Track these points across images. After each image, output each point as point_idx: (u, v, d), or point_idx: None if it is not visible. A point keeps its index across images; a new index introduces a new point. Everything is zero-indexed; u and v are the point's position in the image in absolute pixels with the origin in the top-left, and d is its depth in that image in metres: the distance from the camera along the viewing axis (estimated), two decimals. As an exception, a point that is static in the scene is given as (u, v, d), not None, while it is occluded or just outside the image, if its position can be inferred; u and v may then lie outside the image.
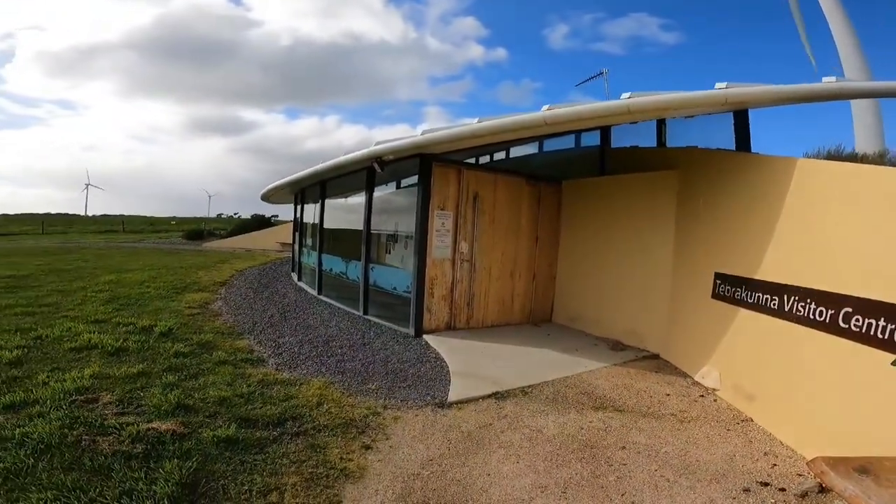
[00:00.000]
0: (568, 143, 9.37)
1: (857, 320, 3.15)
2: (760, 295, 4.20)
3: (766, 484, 2.91)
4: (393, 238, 7.48)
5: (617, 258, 6.75)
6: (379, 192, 7.85)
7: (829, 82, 4.18)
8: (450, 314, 6.73)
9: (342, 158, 7.13)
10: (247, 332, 6.17)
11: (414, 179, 6.67)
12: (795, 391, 3.65)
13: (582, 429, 3.72)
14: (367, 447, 3.25)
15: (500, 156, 11.05)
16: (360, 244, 7.70)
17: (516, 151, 10.73)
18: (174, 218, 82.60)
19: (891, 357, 2.83)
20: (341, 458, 3.04)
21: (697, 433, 3.70)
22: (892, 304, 2.89)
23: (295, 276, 12.04)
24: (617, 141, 8.29)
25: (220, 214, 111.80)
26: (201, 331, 5.98)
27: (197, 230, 33.57)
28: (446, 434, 3.55)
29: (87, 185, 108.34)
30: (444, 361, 5.24)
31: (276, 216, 37.29)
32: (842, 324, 3.27)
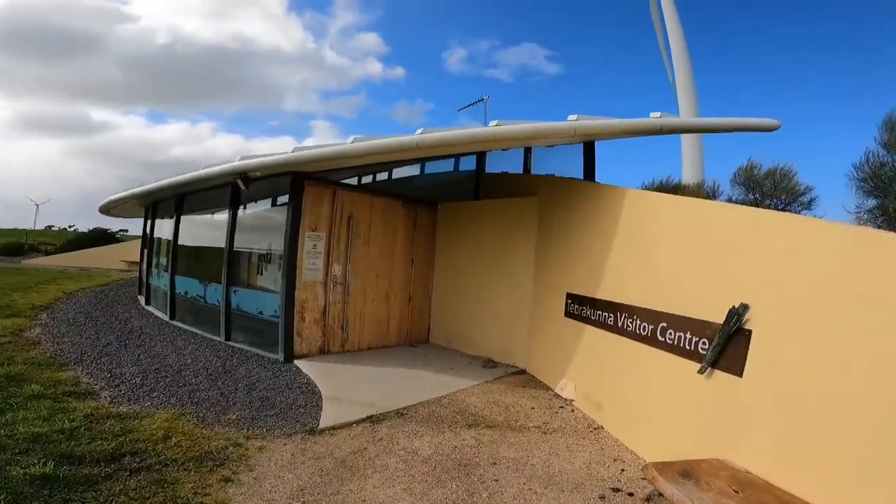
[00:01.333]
0: (447, 166, 9.69)
1: (671, 334, 3.66)
2: (601, 313, 4.71)
3: (618, 490, 3.20)
4: (266, 258, 6.97)
5: (487, 279, 7.09)
6: (251, 209, 7.30)
7: (654, 118, 4.88)
8: (323, 338, 6.46)
9: (201, 172, 6.46)
10: (73, 363, 5.40)
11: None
12: (630, 399, 4.10)
13: (456, 447, 3.80)
14: (228, 480, 3.02)
15: (383, 175, 11.03)
16: (221, 265, 7.04)
17: (401, 172, 10.80)
18: (-16, 228, 66.70)
19: (697, 366, 3.30)
20: (195, 493, 2.80)
21: (559, 444, 3.99)
22: (696, 320, 3.42)
23: (142, 300, 10.54)
24: (492, 166, 8.81)
25: (49, 227, 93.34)
26: (11, 362, 5.12)
27: (16, 244, 27.60)
28: (318, 462, 3.42)
29: None
30: (317, 386, 5.07)
31: (125, 230, 32.28)
32: (660, 337, 3.78)
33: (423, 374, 5.91)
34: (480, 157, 8.79)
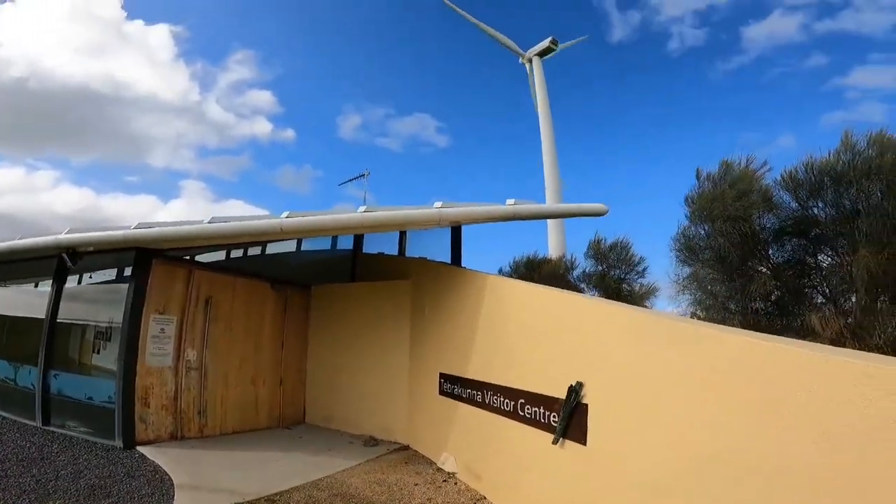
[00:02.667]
0: (325, 244, 9.51)
1: (529, 409, 3.95)
2: (470, 391, 4.90)
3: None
4: (104, 335, 6.06)
5: (365, 359, 6.99)
6: (88, 279, 6.49)
7: (510, 205, 5.40)
8: (175, 424, 5.79)
9: (16, 244, 5.51)
10: None
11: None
12: (504, 469, 4.26)
13: (335, 533, 3.45)
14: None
15: (256, 249, 10.38)
16: (39, 343, 6.06)
17: (276, 247, 10.28)
18: None
19: (551, 437, 3.56)
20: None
21: (445, 519, 3.83)
22: (547, 396, 3.74)
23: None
24: (369, 245, 8.86)
25: None
26: None
27: None
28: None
29: None
30: (167, 474, 4.57)
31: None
32: (520, 412, 4.06)
33: (298, 457, 5.54)
34: (358, 236, 8.83)
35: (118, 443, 5.26)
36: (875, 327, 4.93)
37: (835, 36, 60.89)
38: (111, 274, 6.71)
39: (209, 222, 4.68)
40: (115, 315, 5.73)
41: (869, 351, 4.61)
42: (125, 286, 5.58)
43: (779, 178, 6.40)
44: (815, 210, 6.16)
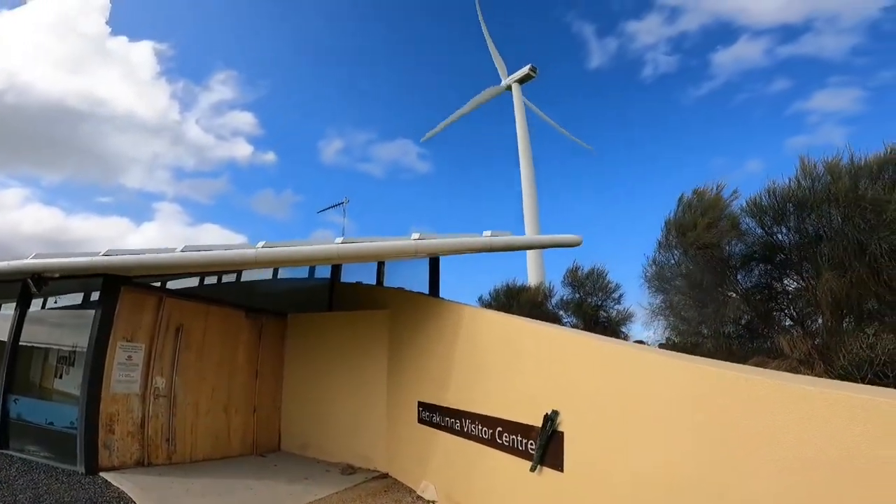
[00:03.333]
0: (302, 272, 9.39)
1: (506, 437, 3.95)
2: (448, 419, 4.87)
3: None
4: (68, 360, 5.91)
5: (342, 388, 6.89)
6: (52, 303, 6.42)
7: (486, 236, 5.46)
8: (142, 450, 5.63)
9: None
10: None
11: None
12: (483, 496, 4.23)
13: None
14: None
15: (231, 276, 10.17)
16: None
17: (251, 274, 10.10)
18: None
19: (529, 464, 3.55)
20: None
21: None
22: (523, 424, 3.75)
23: None
24: (347, 275, 8.78)
25: None
26: None
27: None
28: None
29: None
30: (132, 500, 4.50)
31: None
32: (498, 440, 4.06)
33: (273, 485, 5.42)
34: (335, 265, 8.74)
35: (80, 468, 5.10)
36: (841, 348, 5.08)
37: (796, 60, 62.59)
38: (78, 298, 6.55)
39: (182, 251, 4.60)
40: (79, 340, 5.60)
41: (835, 371, 4.74)
42: (91, 312, 5.42)
43: (744, 204, 6.63)
44: (780, 236, 6.37)
